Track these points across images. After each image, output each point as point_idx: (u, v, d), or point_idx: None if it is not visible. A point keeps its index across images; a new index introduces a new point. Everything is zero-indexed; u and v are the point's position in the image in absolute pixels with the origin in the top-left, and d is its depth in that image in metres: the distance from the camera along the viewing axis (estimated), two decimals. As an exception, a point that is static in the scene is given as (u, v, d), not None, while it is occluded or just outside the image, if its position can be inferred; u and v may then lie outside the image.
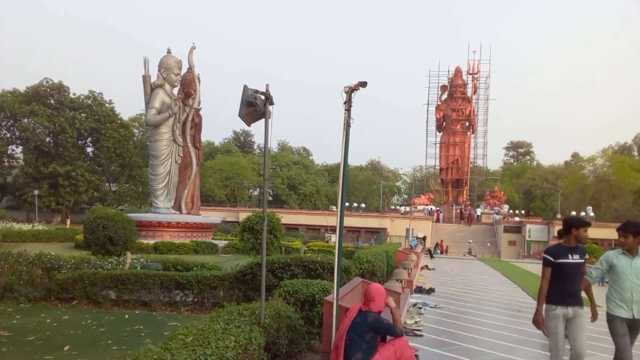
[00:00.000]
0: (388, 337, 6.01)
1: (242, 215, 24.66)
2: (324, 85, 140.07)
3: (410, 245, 33.92)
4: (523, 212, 65.51)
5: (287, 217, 44.56)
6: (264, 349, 5.55)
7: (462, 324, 10.70)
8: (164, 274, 11.82)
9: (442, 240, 47.54)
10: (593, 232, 38.67)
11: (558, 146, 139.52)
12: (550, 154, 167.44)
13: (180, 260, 15.91)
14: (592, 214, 51.54)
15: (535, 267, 27.28)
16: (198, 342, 3.98)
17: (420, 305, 11.78)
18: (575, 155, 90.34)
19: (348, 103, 8.01)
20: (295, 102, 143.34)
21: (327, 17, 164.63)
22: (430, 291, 15.03)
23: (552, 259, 5.55)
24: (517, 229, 48.03)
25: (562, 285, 5.52)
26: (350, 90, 8.27)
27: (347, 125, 7.95)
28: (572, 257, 5.52)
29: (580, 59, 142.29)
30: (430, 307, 12.23)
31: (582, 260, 5.55)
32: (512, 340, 9.14)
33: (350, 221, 48.05)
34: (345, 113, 7.97)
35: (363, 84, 8.25)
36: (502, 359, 7.84)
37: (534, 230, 45.93)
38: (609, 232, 37.74)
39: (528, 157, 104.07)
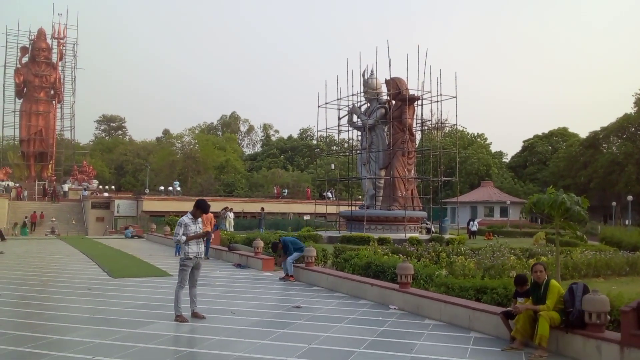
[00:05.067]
0: None
1: None
2: None
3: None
4: (114, 187, 64.99)
5: None
6: None
7: (22, 310, 9.70)
8: None
9: (34, 212, 43.34)
10: (177, 206, 41.40)
11: (151, 122, 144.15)
12: (143, 130, 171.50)
13: None
14: (179, 188, 55.11)
15: (118, 243, 27.23)
16: None
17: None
18: (166, 132, 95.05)
19: None
20: None
21: None
22: (-11, 278, 12.99)
23: None
24: (106, 205, 47.30)
25: None
26: None
27: None
28: None
29: (176, 41, 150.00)
30: (-16, 296, 10.52)
31: None
32: (75, 320, 8.61)
33: None
34: None
35: None
36: (58, 341, 7.34)
37: (123, 205, 46.03)
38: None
39: (120, 132, 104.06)
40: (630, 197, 48.04)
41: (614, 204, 51.52)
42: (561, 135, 72.36)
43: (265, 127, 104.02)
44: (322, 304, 10.38)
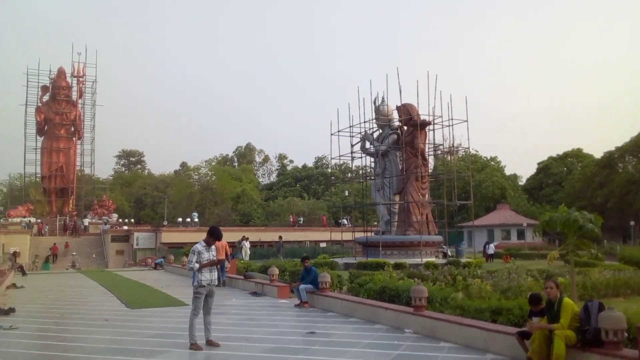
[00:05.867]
0: None
1: None
2: None
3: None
4: (133, 220, 65.63)
5: None
6: None
7: (39, 342, 9.81)
8: None
9: (55, 244, 43.96)
10: (194, 237, 41.42)
11: (169, 156, 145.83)
12: (161, 163, 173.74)
13: None
14: (196, 219, 55.42)
15: (137, 275, 27.36)
16: None
17: (-13, 329, 10.15)
18: (184, 165, 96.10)
19: None
20: None
21: None
22: (9, 312, 13.18)
23: None
24: (125, 238, 47.72)
25: None
26: None
27: None
28: None
29: (182, 82, 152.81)
30: (4, 329, 10.72)
31: None
32: (90, 350, 8.71)
33: None
34: None
35: None
36: (74, 372, 7.37)
37: (142, 238, 46.42)
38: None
39: (139, 166, 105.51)
40: (648, 216, 47.22)
41: (632, 223, 50.55)
42: (576, 156, 71.66)
43: (281, 157, 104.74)
44: (336, 329, 10.35)
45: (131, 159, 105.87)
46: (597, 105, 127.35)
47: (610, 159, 58.39)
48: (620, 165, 58.88)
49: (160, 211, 70.15)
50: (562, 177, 69.02)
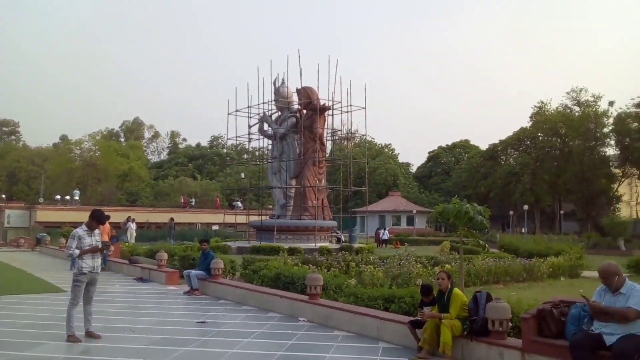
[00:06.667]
0: None
1: None
2: None
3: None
4: (4, 196, 60.14)
5: None
6: None
7: None
8: None
9: None
10: (74, 216, 38.89)
11: (47, 127, 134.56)
12: (38, 135, 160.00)
13: None
14: (77, 197, 51.92)
15: (7, 256, 24.98)
16: None
17: None
18: (64, 138, 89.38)
19: None
20: None
21: None
22: None
23: None
24: (-5, 216, 43.65)
25: None
26: None
27: None
28: None
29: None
30: None
31: None
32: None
33: None
34: None
35: None
36: None
37: (14, 215, 42.66)
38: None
39: (14, 137, 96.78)
40: (525, 207, 51.32)
41: (511, 212, 54.77)
42: (463, 147, 76.03)
43: (173, 135, 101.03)
44: (228, 318, 9.99)
45: (4, 128, 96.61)
46: (486, 98, 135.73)
47: (494, 151, 62.68)
48: (502, 157, 63.41)
49: (36, 187, 64.95)
50: (450, 167, 73.04)
